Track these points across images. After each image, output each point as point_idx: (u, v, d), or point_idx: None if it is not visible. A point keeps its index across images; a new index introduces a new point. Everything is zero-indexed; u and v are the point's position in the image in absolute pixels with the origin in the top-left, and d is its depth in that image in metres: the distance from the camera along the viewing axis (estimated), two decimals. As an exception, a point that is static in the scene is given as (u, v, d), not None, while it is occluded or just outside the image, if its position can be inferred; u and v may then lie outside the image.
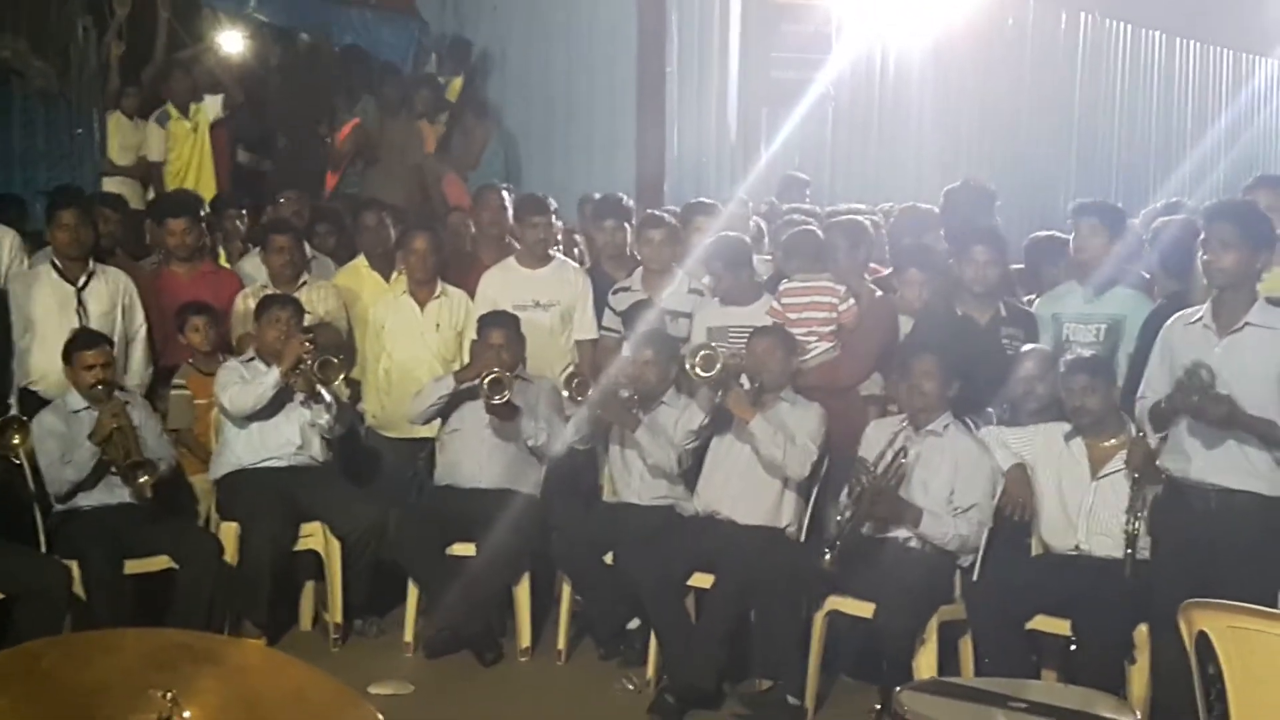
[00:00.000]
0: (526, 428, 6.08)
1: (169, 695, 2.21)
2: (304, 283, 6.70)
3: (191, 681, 2.31)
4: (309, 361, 5.99)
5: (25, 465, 5.53)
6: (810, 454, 5.51)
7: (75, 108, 8.98)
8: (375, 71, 10.03)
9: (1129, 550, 4.99)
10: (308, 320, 6.30)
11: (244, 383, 6.08)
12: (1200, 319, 4.74)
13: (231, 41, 9.67)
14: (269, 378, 6.03)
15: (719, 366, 5.47)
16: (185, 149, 9.15)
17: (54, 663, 2.35)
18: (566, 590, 5.99)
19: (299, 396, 6.12)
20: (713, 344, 5.70)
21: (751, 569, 5.34)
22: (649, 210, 7.08)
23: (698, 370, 5.49)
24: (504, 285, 6.72)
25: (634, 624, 5.89)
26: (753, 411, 5.53)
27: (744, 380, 5.61)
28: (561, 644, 5.98)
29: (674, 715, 5.31)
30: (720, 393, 5.54)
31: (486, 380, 5.87)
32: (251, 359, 6.21)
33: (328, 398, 6.09)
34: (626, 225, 7.03)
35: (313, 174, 9.29)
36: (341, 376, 6.25)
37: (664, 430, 5.84)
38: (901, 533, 5.32)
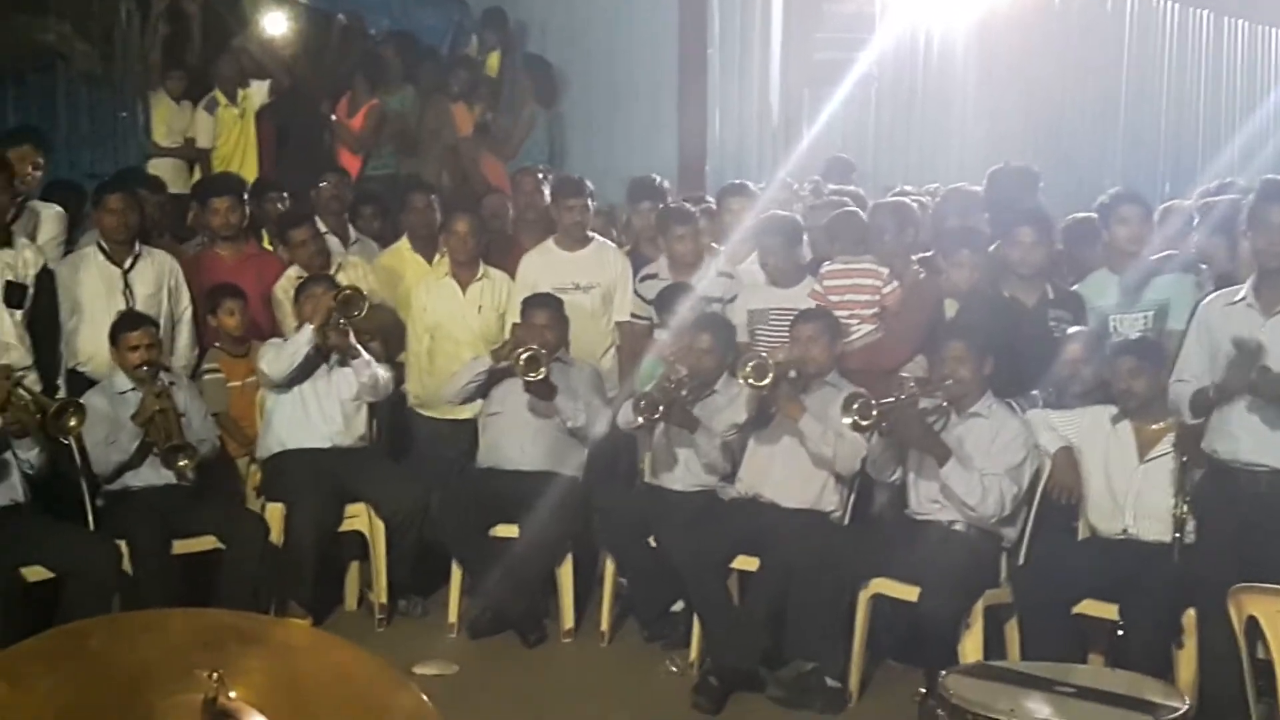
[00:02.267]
0: (565, 408, 6.06)
1: (215, 675, 2.21)
2: (339, 266, 6.73)
3: (237, 661, 2.31)
4: (335, 308, 6.00)
5: (74, 445, 5.57)
6: (859, 449, 5.44)
7: (119, 91, 9.03)
8: (415, 56, 10.00)
9: (1177, 534, 4.95)
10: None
11: (280, 347, 6.14)
12: (1242, 299, 4.69)
13: (277, 25, 9.68)
14: (302, 334, 6.07)
15: (771, 376, 5.39)
16: (232, 135, 9.20)
17: (101, 642, 2.36)
18: (609, 572, 5.99)
19: (334, 371, 6.14)
20: (762, 353, 5.56)
21: (796, 552, 5.31)
22: (672, 204, 7.01)
23: (750, 381, 5.40)
24: (544, 268, 6.71)
25: (678, 606, 5.87)
26: (802, 409, 5.48)
27: (791, 372, 5.55)
28: (604, 625, 5.98)
29: (717, 697, 5.29)
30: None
31: (523, 357, 5.86)
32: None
33: (365, 355, 6.12)
34: (662, 207, 7.01)
35: (321, 155, 9.25)
36: (362, 310, 6.13)
37: (714, 421, 5.79)
38: (946, 515, 5.27)
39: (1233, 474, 4.69)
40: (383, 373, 6.26)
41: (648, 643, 5.90)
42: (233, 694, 2.24)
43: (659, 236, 6.70)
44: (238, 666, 2.30)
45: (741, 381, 5.45)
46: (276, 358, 6.09)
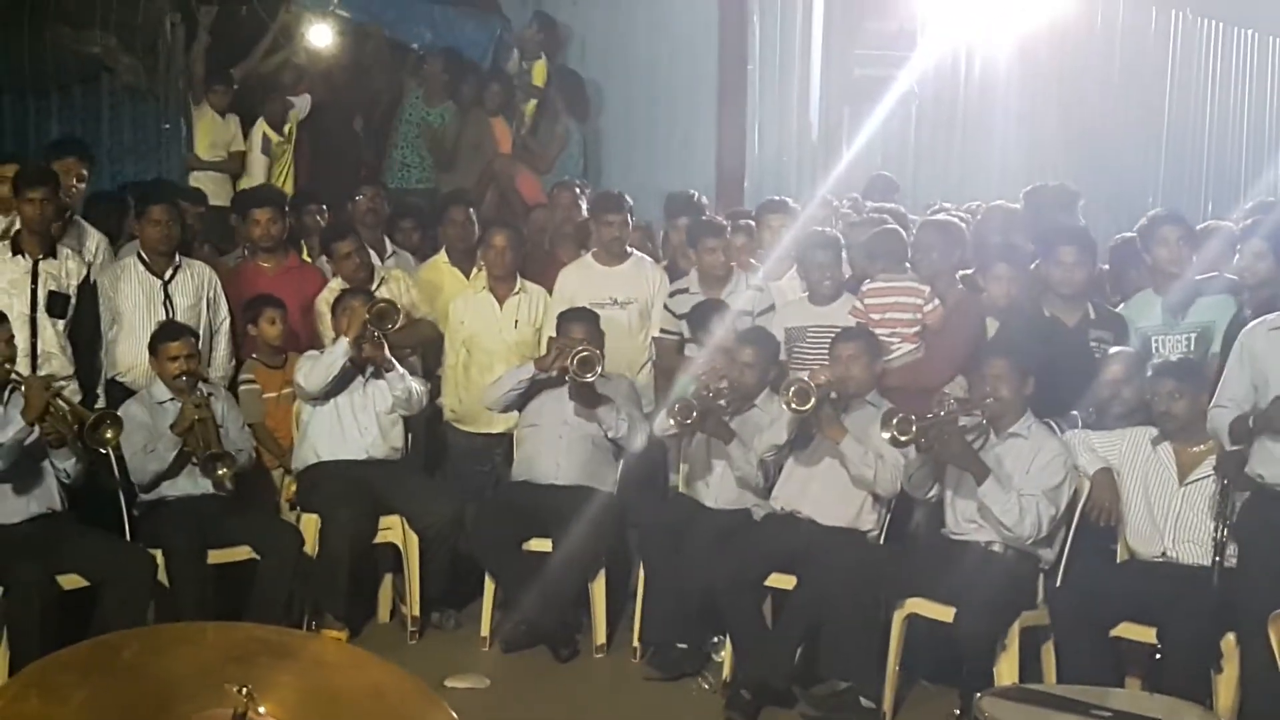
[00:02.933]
0: (606, 418, 6.06)
1: (245, 690, 2.21)
2: (382, 279, 6.74)
3: (268, 676, 2.32)
4: (369, 320, 6.02)
5: (111, 455, 5.60)
6: (899, 471, 5.42)
7: (162, 103, 9.11)
8: (458, 71, 10.02)
9: (1217, 558, 4.89)
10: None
11: (316, 359, 6.16)
12: None
13: (320, 38, 9.70)
14: (338, 347, 6.10)
15: (813, 400, 5.33)
16: (284, 159, 9.25)
17: (134, 655, 2.36)
18: (642, 588, 5.96)
19: (370, 384, 6.17)
20: (804, 375, 5.49)
21: (832, 571, 5.28)
22: (704, 218, 6.99)
23: (793, 405, 5.35)
24: (582, 283, 6.71)
25: (683, 646, 5.77)
26: (843, 432, 5.45)
27: (832, 393, 5.51)
28: (637, 641, 5.95)
29: (750, 712, 5.28)
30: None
31: (577, 357, 5.84)
32: (334, 349, 6.27)
33: (400, 368, 6.15)
34: (693, 220, 6.98)
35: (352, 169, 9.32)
36: (396, 322, 6.18)
37: (753, 437, 5.74)
38: (983, 535, 5.24)
39: (1277, 498, 4.63)
40: (417, 386, 6.28)
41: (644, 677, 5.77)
42: (263, 709, 2.24)
43: (690, 250, 6.70)
44: (268, 681, 2.31)
45: (783, 405, 5.42)
46: (313, 370, 6.12)
